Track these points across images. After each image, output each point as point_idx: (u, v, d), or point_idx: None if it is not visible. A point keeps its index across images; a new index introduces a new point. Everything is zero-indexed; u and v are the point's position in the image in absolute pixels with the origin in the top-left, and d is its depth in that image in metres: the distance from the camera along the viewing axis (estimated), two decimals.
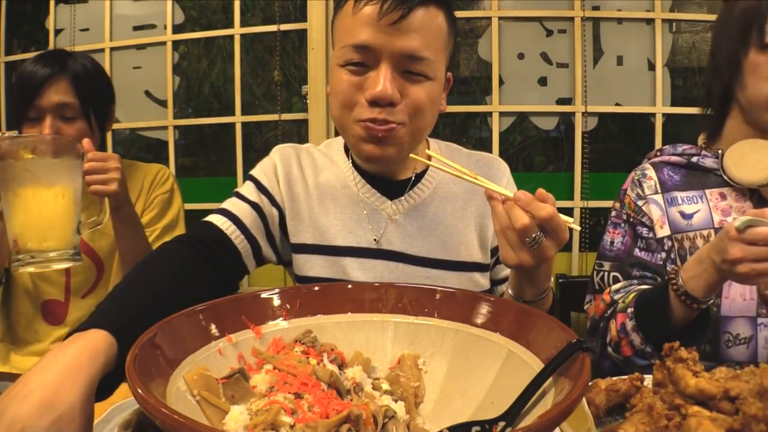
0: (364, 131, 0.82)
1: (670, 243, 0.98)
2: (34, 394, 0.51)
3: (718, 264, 0.78)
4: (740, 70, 0.95)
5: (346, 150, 0.99)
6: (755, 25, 0.93)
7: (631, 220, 1.02)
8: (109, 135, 2.21)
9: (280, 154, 0.98)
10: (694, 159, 1.02)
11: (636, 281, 0.99)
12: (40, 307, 1.31)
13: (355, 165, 0.96)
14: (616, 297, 0.97)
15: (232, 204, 0.92)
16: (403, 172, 0.95)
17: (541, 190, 0.69)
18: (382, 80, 0.78)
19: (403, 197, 0.94)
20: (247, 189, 0.95)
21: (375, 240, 0.92)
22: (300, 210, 0.94)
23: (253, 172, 0.97)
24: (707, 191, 0.99)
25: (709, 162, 1.00)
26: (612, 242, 1.03)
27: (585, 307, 1.04)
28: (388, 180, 0.94)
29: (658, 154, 1.08)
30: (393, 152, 0.84)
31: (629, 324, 0.90)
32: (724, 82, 0.99)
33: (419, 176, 0.96)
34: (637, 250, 1.00)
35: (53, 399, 0.51)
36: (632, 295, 0.94)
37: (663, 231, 0.99)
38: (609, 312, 0.96)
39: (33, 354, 1.30)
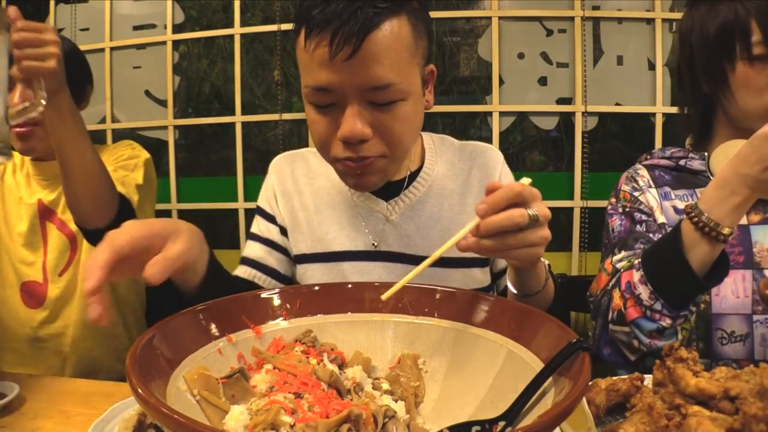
0: (343, 168, 0.81)
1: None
2: None
3: (754, 176, 0.72)
4: (725, 82, 0.94)
5: None
6: (739, 37, 0.90)
7: (628, 209, 1.01)
8: (108, 134, 2.21)
9: (275, 170, 1.02)
10: (682, 162, 1.02)
11: (640, 252, 0.93)
12: (20, 289, 1.31)
13: None
14: (618, 266, 0.93)
15: (250, 249, 0.99)
16: (397, 173, 0.95)
17: (489, 187, 0.63)
18: (349, 120, 0.74)
19: (398, 197, 0.93)
20: (258, 225, 1.01)
21: (374, 244, 0.92)
22: (299, 222, 0.97)
23: (259, 201, 1.03)
24: (697, 190, 0.99)
25: (696, 164, 1.01)
26: (613, 229, 1.01)
27: (588, 293, 1.00)
28: None
29: (648, 157, 1.08)
30: (376, 180, 0.83)
31: (636, 276, 0.83)
32: (705, 93, 0.98)
33: (413, 174, 0.95)
34: (638, 229, 0.98)
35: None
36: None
37: (662, 218, 0.98)
38: (612, 282, 0.91)
39: (13, 351, 1.31)
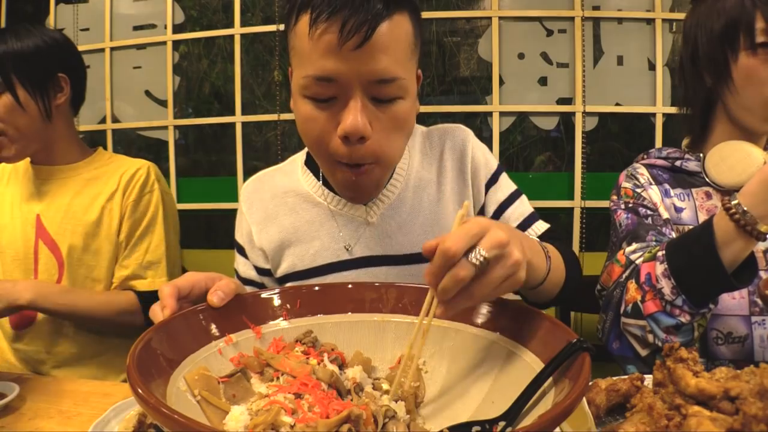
0: (341, 176, 0.78)
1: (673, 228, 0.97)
2: None
3: None
4: (728, 73, 0.93)
5: (308, 164, 0.97)
6: (742, 25, 0.89)
7: (631, 205, 1.00)
8: (108, 134, 2.21)
9: (244, 201, 0.98)
10: (678, 163, 1.01)
11: (654, 243, 0.92)
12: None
13: (323, 179, 0.93)
14: (633, 257, 0.90)
15: None
16: None
17: (426, 249, 0.52)
18: (353, 113, 0.70)
19: (377, 199, 0.90)
20: (237, 262, 1.00)
21: (346, 248, 0.89)
22: (281, 245, 0.93)
23: (236, 236, 1.01)
24: (693, 190, 0.99)
25: (692, 165, 1.00)
26: (620, 224, 1.00)
27: (598, 286, 0.98)
28: None
29: (645, 157, 1.08)
30: (371, 189, 0.84)
31: (659, 269, 0.80)
32: (706, 87, 0.98)
33: (390, 173, 0.92)
34: (646, 222, 0.97)
35: None
36: (658, 247, 0.86)
37: (666, 214, 0.97)
38: (626, 274, 0.88)
39: None
